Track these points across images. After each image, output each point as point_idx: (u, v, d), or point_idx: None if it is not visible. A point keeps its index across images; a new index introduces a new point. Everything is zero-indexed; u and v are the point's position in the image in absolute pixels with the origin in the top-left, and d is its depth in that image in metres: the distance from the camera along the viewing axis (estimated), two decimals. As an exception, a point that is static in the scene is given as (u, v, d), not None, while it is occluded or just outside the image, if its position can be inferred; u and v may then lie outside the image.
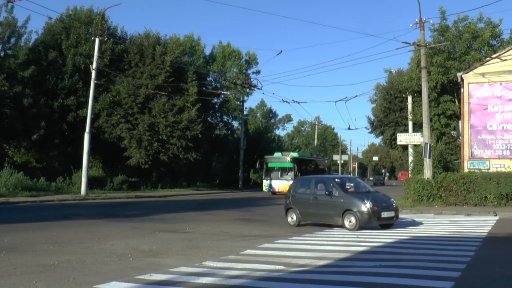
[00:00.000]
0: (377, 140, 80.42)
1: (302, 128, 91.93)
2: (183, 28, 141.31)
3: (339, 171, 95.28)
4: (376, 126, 49.19)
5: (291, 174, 33.22)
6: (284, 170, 34.13)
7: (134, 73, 34.08)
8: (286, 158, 34.21)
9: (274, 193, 33.50)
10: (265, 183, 34.64)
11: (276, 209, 21.75)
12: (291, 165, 33.82)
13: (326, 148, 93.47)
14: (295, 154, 36.01)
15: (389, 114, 45.69)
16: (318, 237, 11.51)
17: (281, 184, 32.90)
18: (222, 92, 40.96)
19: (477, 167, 23.34)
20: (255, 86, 30.06)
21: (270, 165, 34.65)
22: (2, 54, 30.93)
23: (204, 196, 31.65)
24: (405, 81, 34.11)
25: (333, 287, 6.35)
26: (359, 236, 11.62)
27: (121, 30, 37.96)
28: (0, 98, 27.99)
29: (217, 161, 55.44)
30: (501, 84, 23.26)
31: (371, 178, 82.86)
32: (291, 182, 30.24)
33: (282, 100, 31.23)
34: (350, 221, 12.70)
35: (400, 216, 18.29)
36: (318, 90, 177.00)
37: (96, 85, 27.95)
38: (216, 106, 45.70)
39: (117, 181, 33.58)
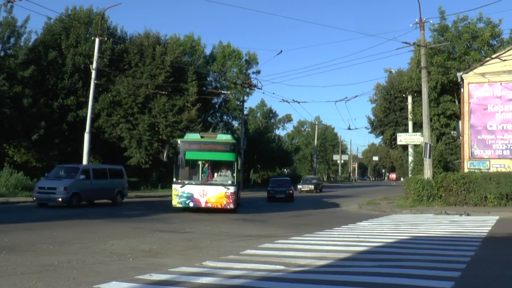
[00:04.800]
0: (377, 140, 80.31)
1: (302, 128, 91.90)
2: (183, 28, 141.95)
3: (339, 170, 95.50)
4: (376, 126, 49.11)
5: (229, 173, 18.77)
6: (218, 166, 19.17)
7: (134, 73, 34.08)
8: (222, 142, 18.55)
9: (199, 208, 18.04)
10: (178, 190, 17.96)
11: (276, 209, 21.76)
12: (231, 156, 18.27)
13: (326, 148, 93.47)
14: (230, 138, 19.78)
15: (389, 114, 45.63)
16: (318, 237, 11.51)
17: (214, 193, 17.85)
18: (222, 92, 40.91)
19: (477, 167, 23.36)
20: (255, 86, 30.05)
21: (189, 156, 18.36)
22: (2, 54, 30.87)
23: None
24: (405, 81, 34.14)
25: (333, 287, 6.34)
26: (359, 236, 11.63)
27: (121, 30, 37.96)
28: (0, 98, 27.98)
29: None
30: (501, 84, 23.28)
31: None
32: (231, 188, 17.80)
33: (282, 100, 31.13)
34: None
35: (400, 216, 18.34)
36: (318, 90, 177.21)
37: (96, 85, 27.90)
38: (216, 106, 45.66)
39: (117, 181, 33.53)
